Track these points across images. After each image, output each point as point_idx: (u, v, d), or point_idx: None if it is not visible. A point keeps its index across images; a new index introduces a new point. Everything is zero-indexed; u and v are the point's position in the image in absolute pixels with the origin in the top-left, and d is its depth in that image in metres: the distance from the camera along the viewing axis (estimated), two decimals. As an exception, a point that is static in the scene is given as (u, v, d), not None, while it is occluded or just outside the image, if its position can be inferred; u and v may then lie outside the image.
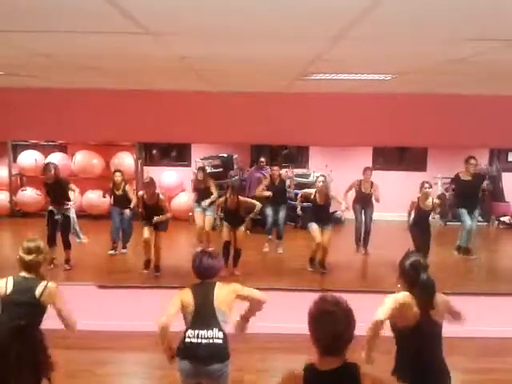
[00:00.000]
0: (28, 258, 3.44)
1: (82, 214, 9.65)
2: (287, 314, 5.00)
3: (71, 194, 7.25)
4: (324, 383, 2.10)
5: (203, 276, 3.37)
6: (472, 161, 7.79)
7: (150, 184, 7.08)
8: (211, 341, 3.19)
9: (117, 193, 7.85)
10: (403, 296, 3.13)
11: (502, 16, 1.80)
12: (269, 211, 8.29)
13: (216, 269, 3.40)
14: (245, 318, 3.51)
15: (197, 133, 5.76)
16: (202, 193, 8.10)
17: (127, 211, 7.79)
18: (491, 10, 1.71)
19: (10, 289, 3.33)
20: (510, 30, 2.02)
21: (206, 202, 7.89)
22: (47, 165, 7.44)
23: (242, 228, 7.16)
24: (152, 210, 6.94)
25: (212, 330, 3.20)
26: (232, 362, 3.49)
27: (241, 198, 7.19)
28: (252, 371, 4.48)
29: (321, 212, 7.13)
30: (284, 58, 2.96)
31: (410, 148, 10.77)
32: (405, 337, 3.14)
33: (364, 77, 3.91)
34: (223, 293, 3.30)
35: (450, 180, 8.85)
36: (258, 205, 7.24)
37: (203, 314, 3.24)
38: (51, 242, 6.93)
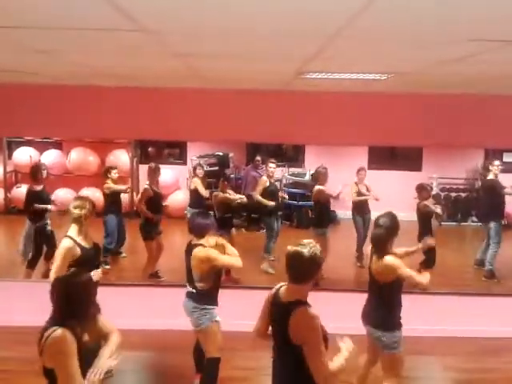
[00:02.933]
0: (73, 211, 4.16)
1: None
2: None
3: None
4: (275, 304, 2.87)
5: (193, 232, 4.13)
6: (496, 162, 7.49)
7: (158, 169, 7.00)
8: (188, 289, 4.18)
9: None
10: None
11: (499, 16, 1.80)
12: (275, 223, 7.64)
13: (203, 226, 4.08)
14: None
15: (193, 130, 5.75)
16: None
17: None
18: (489, 10, 1.71)
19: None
20: (507, 30, 2.02)
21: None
22: (40, 165, 7.12)
23: (234, 230, 7.17)
24: (160, 201, 6.89)
25: (189, 283, 4.15)
26: (223, 361, 4.20)
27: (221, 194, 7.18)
28: (242, 368, 4.48)
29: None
30: (281, 56, 2.96)
31: (406, 148, 10.78)
32: None
33: (360, 76, 3.91)
34: (197, 259, 4.02)
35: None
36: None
37: (187, 271, 4.16)
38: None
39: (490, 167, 7.45)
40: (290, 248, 2.78)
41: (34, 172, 6.85)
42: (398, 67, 3.37)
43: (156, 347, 5.51)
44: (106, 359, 2.82)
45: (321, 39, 2.34)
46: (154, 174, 7.00)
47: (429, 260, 6.55)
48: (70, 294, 2.74)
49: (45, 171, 6.92)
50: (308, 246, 2.76)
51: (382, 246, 3.88)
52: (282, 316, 2.78)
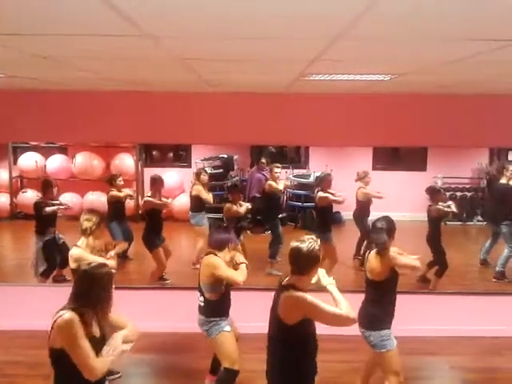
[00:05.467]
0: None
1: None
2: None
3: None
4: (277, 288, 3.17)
5: (210, 246, 4.27)
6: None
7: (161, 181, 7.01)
8: (199, 301, 4.27)
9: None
10: None
11: (501, 16, 1.80)
12: (279, 227, 7.63)
13: (219, 241, 4.22)
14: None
15: (197, 134, 5.77)
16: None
17: None
18: (491, 10, 1.72)
19: None
20: (509, 30, 2.03)
21: None
22: (50, 181, 7.16)
23: (242, 237, 7.16)
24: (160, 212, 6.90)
25: (199, 294, 4.25)
26: None
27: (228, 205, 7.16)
28: (248, 371, 4.48)
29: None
30: (283, 58, 2.97)
31: (410, 148, 10.77)
32: None
33: (363, 77, 3.92)
34: (203, 265, 4.17)
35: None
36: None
37: (199, 282, 4.25)
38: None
39: (505, 171, 7.37)
40: (292, 243, 3.11)
41: (45, 187, 6.91)
42: (401, 68, 3.37)
43: (162, 350, 5.52)
44: (120, 341, 2.90)
45: (323, 41, 2.35)
46: (155, 184, 7.00)
47: (441, 265, 6.54)
48: (90, 284, 2.84)
49: (55, 188, 6.96)
50: (307, 241, 3.06)
51: (384, 248, 3.96)
52: (275, 298, 3.12)
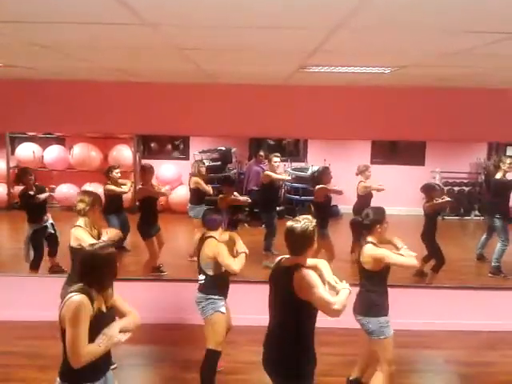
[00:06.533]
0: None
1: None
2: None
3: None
4: (277, 271, 3.31)
5: (206, 226, 4.42)
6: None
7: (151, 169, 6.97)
8: (199, 281, 4.38)
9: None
10: None
11: (502, 8, 1.79)
12: (275, 219, 7.60)
13: (212, 222, 4.39)
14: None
15: (195, 125, 5.74)
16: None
17: None
18: (492, 1, 1.71)
19: None
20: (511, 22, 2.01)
21: None
22: (27, 169, 7.10)
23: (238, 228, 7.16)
24: (155, 201, 6.86)
25: (200, 274, 4.37)
26: (226, 354, 4.34)
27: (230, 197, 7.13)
28: (243, 362, 4.50)
29: None
30: (283, 49, 2.95)
31: (409, 142, 10.75)
32: None
33: (363, 70, 3.90)
34: (206, 248, 4.29)
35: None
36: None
37: (198, 261, 4.40)
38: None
39: (501, 165, 7.31)
40: (287, 223, 3.22)
41: (23, 176, 6.89)
42: (401, 60, 3.36)
43: (158, 341, 5.53)
44: (117, 330, 2.94)
45: (323, 31, 2.34)
46: (146, 173, 6.96)
47: (438, 260, 6.55)
48: (95, 265, 2.91)
49: (32, 176, 6.88)
50: (302, 221, 3.15)
51: (370, 226, 4.16)
52: (284, 277, 3.14)
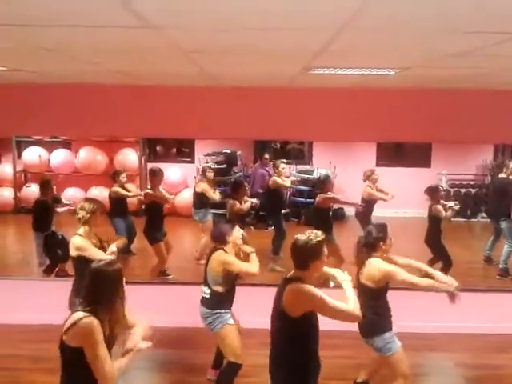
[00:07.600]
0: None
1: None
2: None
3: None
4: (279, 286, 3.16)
5: (216, 241, 4.31)
6: None
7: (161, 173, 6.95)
8: (203, 294, 4.29)
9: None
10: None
11: (506, 9, 1.78)
12: (283, 222, 7.61)
13: (220, 237, 4.28)
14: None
15: (201, 128, 5.75)
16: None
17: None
18: (495, 2, 1.69)
19: None
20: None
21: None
22: (49, 179, 7.21)
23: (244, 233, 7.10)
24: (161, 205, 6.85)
25: (204, 286, 4.28)
26: None
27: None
28: (251, 366, 4.48)
29: None
30: (287, 51, 2.95)
31: (414, 144, 10.71)
32: None
33: (368, 71, 3.89)
34: (215, 261, 4.19)
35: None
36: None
37: (204, 274, 4.30)
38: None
39: (505, 169, 7.35)
40: (294, 236, 3.14)
41: (45, 185, 6.94)
42: (406, 61, 3.35)
43: (164, 344, 5.50)
44: (140, 338, 2.95)
45: (327, 33, 2.33)
46: (155, 177, 6.95)
47: (445, 263, 6.49)
48: (101, 283, 2.84)
49: (54, 187, 6.99)
50: (306, 235, 3.07)
51: (372, 245, 4.06)
52: (279, 291, 3.10)
